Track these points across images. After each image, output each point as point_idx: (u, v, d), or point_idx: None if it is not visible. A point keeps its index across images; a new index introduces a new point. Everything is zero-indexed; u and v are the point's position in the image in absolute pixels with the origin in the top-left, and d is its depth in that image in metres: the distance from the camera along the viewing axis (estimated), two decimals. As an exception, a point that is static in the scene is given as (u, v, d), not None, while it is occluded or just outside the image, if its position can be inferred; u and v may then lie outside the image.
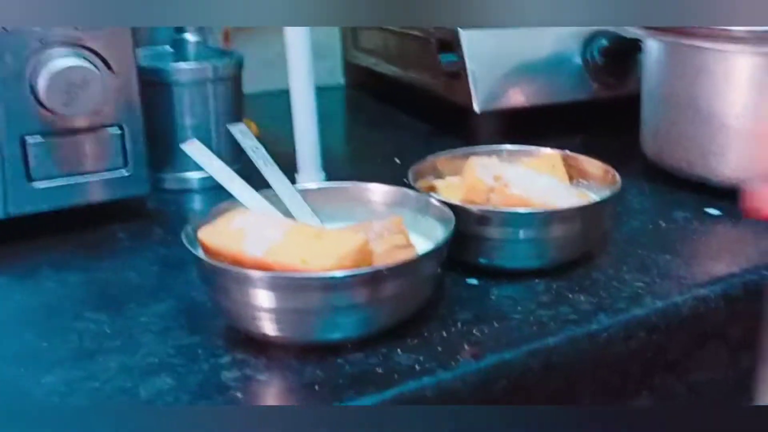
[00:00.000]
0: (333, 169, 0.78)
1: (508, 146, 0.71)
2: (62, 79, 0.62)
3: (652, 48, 0.79)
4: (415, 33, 1.04)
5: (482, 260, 0.61)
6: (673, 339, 0.58)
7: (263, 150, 0.62)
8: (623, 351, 0.55)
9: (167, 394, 0.47)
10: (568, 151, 0.69)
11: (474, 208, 0.59)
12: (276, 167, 0.62)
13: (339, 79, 1.30)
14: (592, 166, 0.68)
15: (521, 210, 0.59)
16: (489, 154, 0.69)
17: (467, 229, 0.58)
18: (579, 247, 0.62)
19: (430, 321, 0.55)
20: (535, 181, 0.63)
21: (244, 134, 0.63)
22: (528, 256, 0.61)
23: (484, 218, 0.59)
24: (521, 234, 0.59)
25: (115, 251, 0.66)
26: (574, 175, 0.68)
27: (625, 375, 0.57)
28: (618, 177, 0.64)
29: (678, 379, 0.60)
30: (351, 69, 1.30)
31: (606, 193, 0.63)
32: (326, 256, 0.50)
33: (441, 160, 0.70)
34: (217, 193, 0.76)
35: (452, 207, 0.58)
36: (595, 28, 0.95)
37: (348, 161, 0.94)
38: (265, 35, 1.10)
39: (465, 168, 0.65)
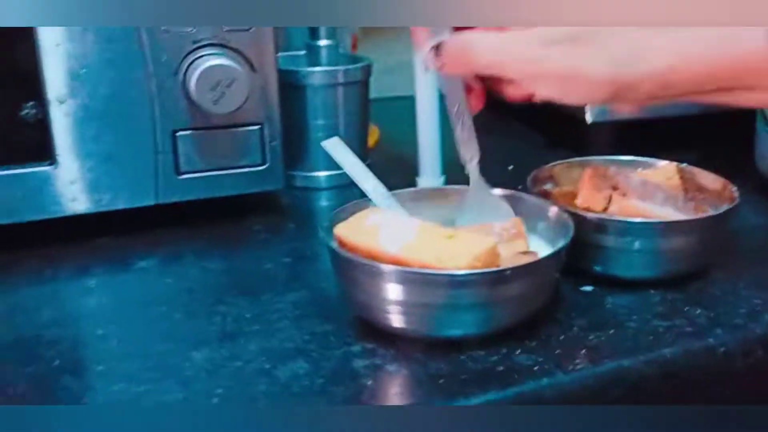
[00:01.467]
0: (451, 174, 0.79)
1: (624, 157, 0.71)
2: (212, 77, 0.65)
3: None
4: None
5: (597, 268, 0.61)
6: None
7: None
8: (740, 367, 0.55)
9: (303, 378, 0.49)
10: (684, 164, 0.68)
11: (591, 215, 0.59)
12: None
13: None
14: (709, 179, 0.67)
15: (638, 220, 0.60)
16: (606, 164, 0.69)
17: (583, 236, 0.58)
18: (695, 260, 0.62)
19: (548, 324, 0.55)
20: (653, 192, 0.63)
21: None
22: (643, 266, 0.60)
23: (601, 226, 0.59)
24: (637, 244, 0.59)
25: (252, 242, 0.69)
26: (690, 188, 0.67)
27: (740, 392, 0.56)
28: (735, 191, 0.63)
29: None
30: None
31: (723, 207, 0.62)
32: (459, 256, 0.51)
33: (558, 168, 0.70)
34: (342, 192, 0.79)
35: (569, 213, 0.58)
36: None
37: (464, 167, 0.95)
38: (387, 43, 1.12)
39: (583, 176, 0.65)
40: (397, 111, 0.95)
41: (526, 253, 0.56)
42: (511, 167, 0.90)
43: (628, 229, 0.59)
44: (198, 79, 0.65)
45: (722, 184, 0.66)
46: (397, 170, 0.81)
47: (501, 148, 0.98)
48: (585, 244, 0.59)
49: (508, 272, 0.51)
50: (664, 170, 0.68)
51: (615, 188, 0.63)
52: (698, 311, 0.57)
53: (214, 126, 0.69)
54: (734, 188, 0.64)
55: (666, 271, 0.61)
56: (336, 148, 0.62)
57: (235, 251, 0.67)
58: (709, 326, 0.55)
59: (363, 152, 0.85)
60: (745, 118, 0.83)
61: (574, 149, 0.95)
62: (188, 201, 0.70)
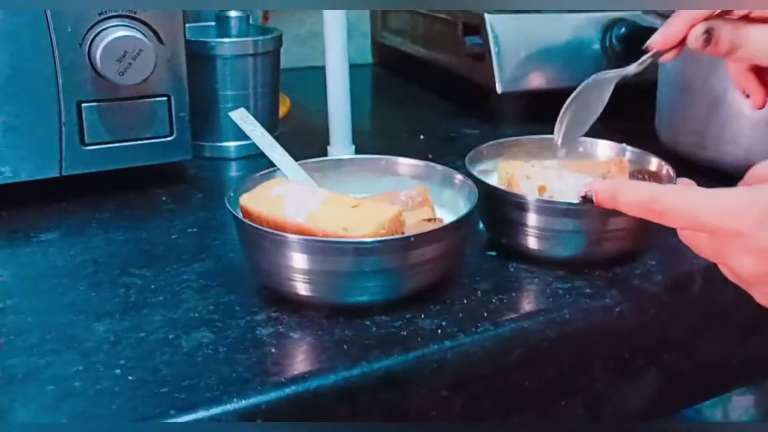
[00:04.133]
0: (362, 144, 0.79)
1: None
2: (118, 49, 0.63)
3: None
4: (442, 16, 1.04)
5: (505, 242, 0.61)
6: (683, 317, 0.59)
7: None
8: (634, 326, 0.56)
9: (206, 347, 0.48)
10: (624, 158, 0.66)
11: (505, 192, 0.59)
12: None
13: (368, 58, 1.30)
14: (652, 165, 0.65)
15: (559, 200, 0.58)
16: (541, 147, 0.67)
17: (505, 214, 0.58)
18: (619, 243, 0.59)
19: (453, 289, 0.55)
20: (573, 184, 0.59)
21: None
22: (564, 247, 0.58)
23: (517, 204, 0.58)
24: (544, 223, 0.57)
25: (159, 213, 0.68)
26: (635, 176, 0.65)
27: (635, 350, 0.58)
28: (672, 170, 0.62)
29: (685, 357, 0.61)
30: (379, 48, 1.30)
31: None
32: (365, 224, 0.50)
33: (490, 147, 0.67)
34: (252, 162, 0.78)
35: (482, 185, 0.58)
36: (614, 15, 0.94)
37: (376, 136, 0.95)
38: (298, 14, 1.11)
39: (510, 172, 0.62)
40: (309, 81, 0.94)
41: (431, 220, 0.56)
42: (422, 137, 0.90)
43: (542, 209, 0.57)
44: (104, 51, 0.63)
45: (657, 165, 0.64)
46: (307, 140, 0.80)
47: (412, 119, 0.98)
48: (511, 221, 0.58)
49: (413, 239, 0.51)
50: (602, 166, 0.65)
51: (542, 189, 0.60)
52: (597, 273, 0.58)
53: (121, 97, 0.67)
54: (671, 168, 0.62)
55: (588, 254, 0.58)
56: (243, 118, 0.61)
57: (142, 222, 0.66)
58: (606, 287, 0.56)
59: (274, 123, 0.84)
60: (648, 89, 0.84)
61: (484, 118, 0.96)
62: (95, 173, 0.68)
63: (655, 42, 0.59)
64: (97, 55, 0.63)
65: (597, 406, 0.57)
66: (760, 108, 0.59)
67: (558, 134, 0.62)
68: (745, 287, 0.47)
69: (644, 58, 0.60)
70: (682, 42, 0.58)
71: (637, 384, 0.58)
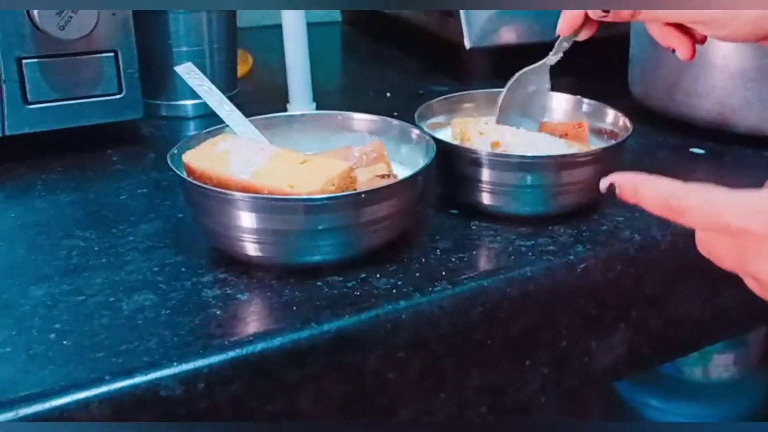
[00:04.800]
0: (324, 102, 0.76)
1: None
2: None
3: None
4: (412, -29, 1.01)
5: (461, 200, 0.58)
6: (652, 273, 0.57)
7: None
8: (601, 283, 0.54)
9: (149, 310, 0.46)
10: (584, 122, 0.63)
11: (458, 147, 0.56)
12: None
13: (336, 15, 1.27)
14: (606, 120, 0.63)
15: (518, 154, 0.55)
16: (492, 101, 0.63)
17: (463, 170, 0.56)
18: (583, 194, 0.57)
19: (410, 248, 0.53)
20: (536, 145, 0.58)
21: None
22: (533, 203, 0.56)
23: (471, 159, 0.55)
24: (499, 178, 0.55)
25: (108, 174, 0.65)
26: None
27: (603, 307, 0.56)
28: (629, 124, 0.60)
29: (656, 313, 0.59)
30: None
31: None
32: (312, 181, 0.48)
33: (442, 103, 0.64)
34: (210, 121, 0.74)
35: (439, 142, 0.55)
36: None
37: (340, 95, 0.92)
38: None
39: (463, 128, 0.60)
40: (274, 40, 0.90)
41: (386, 176, 0.53)
42: (389, 95, 0.87)
43: (500, 164, 0.55)
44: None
45: (614, 117, 0.62)
46: (268, 99, 0.77)
47: (380, 77, 0.95)
48: (465, 177, 0.56)
49: (363, 195, 0.48)
50: (559, 128, 0.62)
51: (496, 145, 0.58)
52: (561, 230, 0.56)
53: (64, 53, 0.64)
54: (627, 120, 0.61)
55: (548, 209, 0.57)
56: (189, 72, 0.58)
57: (90, 183, 0.63)
58: (570, 244, 0.54)
59: (232, 80, 0.81)
60: (621, 43, 0.82)
61: (453, 76, 0.93)
62: (40, 133, 0.65)
63: (561, 29, 0.59)
64: (35, 9, 0.60)
65: (563, 364, 0.55)
66: (690, 59, 0.58)
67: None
68: None
69: (557, 44, 0.60)
70: (588, 18, 0.57)
71: (606, 341, 0.57)
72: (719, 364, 1.07)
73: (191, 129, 0.76)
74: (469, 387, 0.52)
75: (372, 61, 1.06)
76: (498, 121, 0.61)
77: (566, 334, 0.55)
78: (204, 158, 0.51)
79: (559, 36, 0.60)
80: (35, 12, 0.60)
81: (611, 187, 0.48)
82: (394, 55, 1.05)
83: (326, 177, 0.48)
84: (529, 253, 0.53)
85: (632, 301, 0.57)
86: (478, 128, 0.58)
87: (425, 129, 0.58)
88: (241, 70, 0.87)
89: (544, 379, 0.55)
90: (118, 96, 0.67)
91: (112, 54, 0.65)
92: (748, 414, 1.06)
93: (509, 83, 0.62)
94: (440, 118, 0.63)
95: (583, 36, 0.59)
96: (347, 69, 1.09)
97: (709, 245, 0.45)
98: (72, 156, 0.67)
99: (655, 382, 1.08)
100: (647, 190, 0.46)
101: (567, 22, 0.59)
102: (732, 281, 0.61)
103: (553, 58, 0.61)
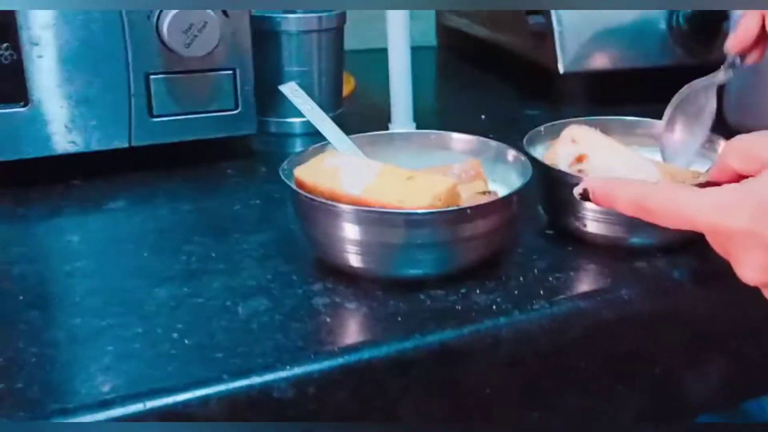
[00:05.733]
0: (423, 123, 0.77)
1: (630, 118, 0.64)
2: (184, 21, 0.63)
3: (738, 16, 0.75)
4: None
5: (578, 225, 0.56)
6: (752, 304, 0.55)
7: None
8: (698, 311, 0.53)
9: (263, 315, 0.47)
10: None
11: (560, 172, 0.55)
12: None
13: (432, 40, 1.28)
14: None
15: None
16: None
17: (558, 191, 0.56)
18: None
19: (508, 266, 0.53)
20: (620, 162, 0.56)
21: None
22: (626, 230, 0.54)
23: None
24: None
25: (223, 185, 0.67)
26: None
27: (700, 336, 0.55)
28: None
29: (755, 346, 0.57)
30: (443, 30, 1.27)
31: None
32: (420, 196, 0.49)
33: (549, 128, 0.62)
34: (316, 139, 0.76)
35: (536, 163, 0.55)
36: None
37: (438, 116, 0.92)
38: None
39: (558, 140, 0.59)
40: (376, 63, 0.92)
41: (485, 193, 0.54)
42: (483, 117, 0.87)
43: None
44: (171, 23, 0.63)
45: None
46: (370, 119, 0.78)
47: (475, 100, 0.96)
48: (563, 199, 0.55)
49: (469, 211, 0.49)
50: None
51: (580, 159, 0.57)
52: (658, 254, 0.55)
53: (187, 70, 0.66)
54: None
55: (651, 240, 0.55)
56: (293, 92, 0.60)
57: (206, 194, 0.65)
58: (668, 268, 0.53)
59: (337, 101, 0.83)
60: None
61: (547, 100, 0.93)
62: (162, 145, 0.67)
63: (731, 46, 0.56)
64: (164, 26, 0.62)
65: (657, 392, 0.54)
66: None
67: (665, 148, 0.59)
68: (761, 287, 0.43)
69: (727, 62, 0.57)
70: (761, 39, 0.54)
71: (700, 371, 0.55)
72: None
73: (298, 145, 0.78)
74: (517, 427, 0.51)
75: (467, 84, 1.06)
76: (663, 137, 0.59)
77: (661, 362, 0.54)
78: (315, 173, 0.52)
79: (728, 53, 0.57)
80: (164, 30, 0.63)
81: (585, 193, 0.48)
82: (488, 80, 1.06)
83: (434, 192, 0.49)
84: (627, 277, 0.52)
85: (730, 332, 0.55)
86: (572, 133, 0.57)
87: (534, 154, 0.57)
88: (345, 90, 0.89)
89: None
90: (234, 112, 0.69)
91: (231, 72, 0.68)
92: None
93: (676, 98, 0.59)
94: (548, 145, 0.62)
95: (753, 59, 0.56)
96: (443, 92, 1.09)
97: (709, 241, 0.44)
98: (191, 168, 0.70)
99: (739, 423, 1.04)
100: (619, 194, 0.45)
101: (738, 38, 0.55)
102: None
103: (723, 75, 0.58)
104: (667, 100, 0.64)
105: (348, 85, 0.93)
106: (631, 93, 0.82)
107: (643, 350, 0.53)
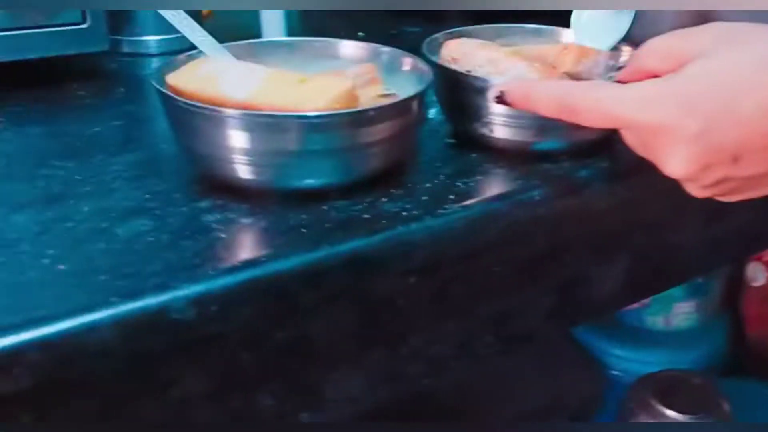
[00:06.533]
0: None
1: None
2: None
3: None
4: None
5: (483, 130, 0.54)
6: (653, 200, 0.56)
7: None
8: (604, 209, 0.53)
9: (147, 235, 0.43)
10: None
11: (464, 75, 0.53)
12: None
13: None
14: None
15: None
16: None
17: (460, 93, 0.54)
18: None
19: (414, 174, 0.51)
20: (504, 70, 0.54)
21: None
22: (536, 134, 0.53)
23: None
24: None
25: (76, 107, 0.61)
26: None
27: (607, 236, 0.55)
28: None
29: (655, 241, 0.58)
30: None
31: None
32: (315, 99, 0.45)
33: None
34: (176, 58, 0.71)
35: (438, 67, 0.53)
36: None
37: (312, 35, 0.88)
38: None
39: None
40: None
41: (384, 96, 0.51)
42: (361, 34, 0.84)
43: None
44: None
45: None
46: (236, 37, 0.73)
47: (350, 19, 0.92)
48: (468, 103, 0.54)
49: (372, 113, 0.46)
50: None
51: (455, 60, 0.56)
52: (571, 158, 0.54)
53: (24, -21, 0.59)
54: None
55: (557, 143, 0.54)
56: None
57: (57, 116, 0.58)
58: (575, 168, 0.53)
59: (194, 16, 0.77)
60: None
61: (428, 17, 0.91)
62: (-1, 63, 0.60)
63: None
64: None
65: (568, 291, 0.54)
66: None
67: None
68: (681, 181, 0.45)
69: None
70: None
71: (607, 269, 0.56)
72: (680, 312, 1.08)
73: (156, 65, 0.72)
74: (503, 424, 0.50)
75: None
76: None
77: (571, 261, 0.54)
78: (191, 80, 0.47)
79: None
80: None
81: (501, 96, 0.48)
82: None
83: (331, 94, 0.46)
84: (536, 179, 0.52)
85: (634, 228, 0.56)
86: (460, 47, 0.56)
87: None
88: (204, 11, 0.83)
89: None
90: (81, 26, 0.62)
91: (75, -20, 0.61)
92: (709, 361, 1.08)
93: None
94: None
95: None
96: (315, 13, 1.05)
97: (627, 140, 0.46)
98: (33, 89, 0.62)
99: (618, 332, 1.09)
100: (539, 94, 0.45)
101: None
102: (724, 212, 0.62)
103: None
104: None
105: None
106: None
107: (554, 251, 0.52)
